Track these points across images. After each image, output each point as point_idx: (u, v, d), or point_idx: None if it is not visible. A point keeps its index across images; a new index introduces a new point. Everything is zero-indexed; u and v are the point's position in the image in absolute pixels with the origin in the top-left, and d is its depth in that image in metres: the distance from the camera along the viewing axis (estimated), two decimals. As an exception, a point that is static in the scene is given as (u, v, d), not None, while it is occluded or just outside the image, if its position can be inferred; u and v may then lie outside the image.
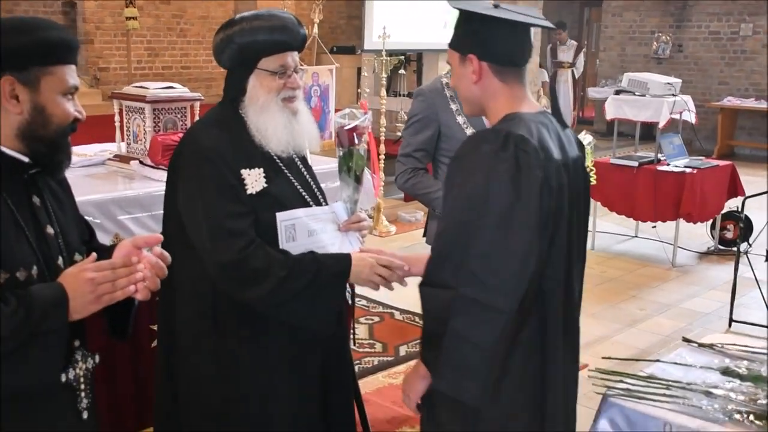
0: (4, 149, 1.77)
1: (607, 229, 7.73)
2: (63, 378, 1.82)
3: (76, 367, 1.86)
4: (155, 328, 2.77)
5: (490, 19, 2.06)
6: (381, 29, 6.38)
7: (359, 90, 9.53)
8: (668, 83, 7.85)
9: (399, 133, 3.57)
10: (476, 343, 1.98)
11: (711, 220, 7.21)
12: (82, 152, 3.79)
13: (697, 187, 6.69)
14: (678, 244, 6.98)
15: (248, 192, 2.31)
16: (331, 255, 2.39)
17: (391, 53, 7.99)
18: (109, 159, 3.80)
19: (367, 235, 3.00)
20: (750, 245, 5.99)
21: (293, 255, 2.32)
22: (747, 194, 5.86)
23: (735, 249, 5.60)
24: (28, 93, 1.76)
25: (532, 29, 2.19)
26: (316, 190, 2.54)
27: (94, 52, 12.03)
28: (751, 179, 9.07)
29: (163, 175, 2.59)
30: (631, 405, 2.38)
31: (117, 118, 3.81)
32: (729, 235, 7.28)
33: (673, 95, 7.70)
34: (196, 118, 3.59)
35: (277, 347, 2.40)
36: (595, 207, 7.28)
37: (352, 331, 4.02)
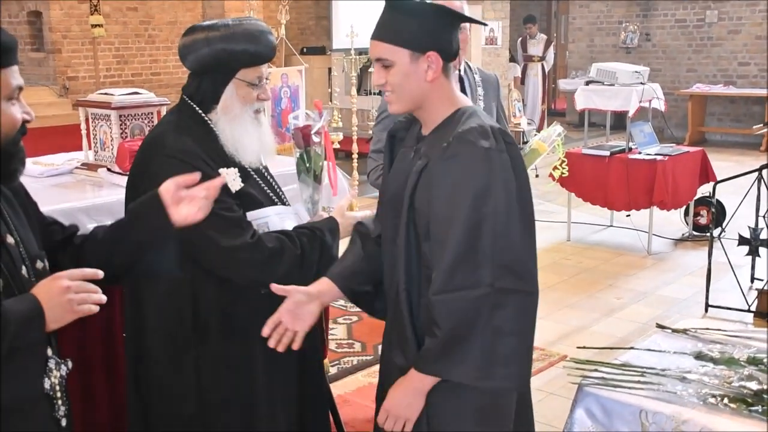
0: None
1: (582, 219, 7.77)
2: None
3: (50, 375, 1.83)
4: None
5: (446, 14, 2.07)
6: (349, 28, 6.35)
7: (330, 90, 9.51)
8: (636, 72, 7.89)
9: (371, 132, 3.56)
10: (520, 331, 2.00)
11: (684, 207, 7.26)
12: (49, 162, 3.74)
13: (669, 174, 6.73)
14: (653, 232, 7.02)
15: (231, 190, 2.31)
16: (322, 224, 2.49)
17: (360, 52, 7.96)
18: (77, 167, 3.75)
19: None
20: (723, 230, 6.03)
21: (291, 232, 2.39)
22: (718, 179, 5.90)
23: (708, 234, 5.64)
24: None
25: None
26: (279, 191, 2.54)
27: (62, 62, 11.89)
28: (722, 164, 9.14)
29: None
30: (607, 393, 2.39)
31: (83, 126, 3.77)
32: (702, 220, 7.34)
33: (642, 83, 7.75)
34: (163, 123, 3.56)
35: (258, 348, 2.38)
36: (570, 198, 7.31)
37: (327, 331, 4.00)
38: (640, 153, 6.93)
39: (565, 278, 6.34)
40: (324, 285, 2.25)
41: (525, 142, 5.34)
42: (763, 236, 5.26)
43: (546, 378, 4.43)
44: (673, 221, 7.52)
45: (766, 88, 12.20)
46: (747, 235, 5.30)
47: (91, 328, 2.85)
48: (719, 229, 6.09)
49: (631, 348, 2.74)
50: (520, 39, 13.93)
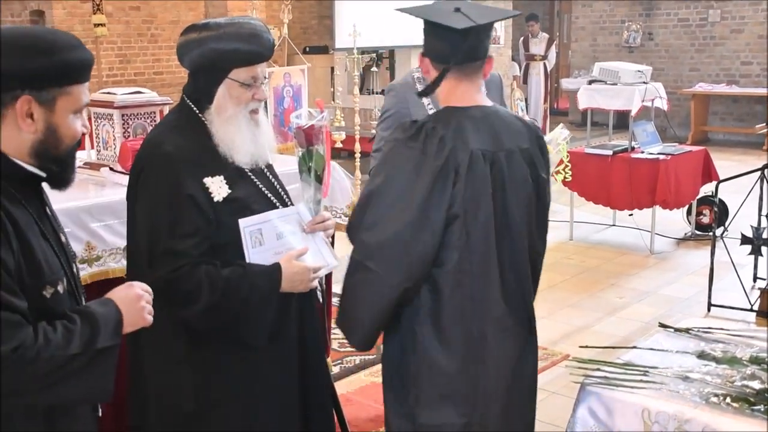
0: (23, 164, 1.76)
1: (584, 219, 7.76)
2: None
3: None
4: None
5: (428, 23, 2.27)
6: (351, 27, 6.37)
7: (332, 89, 9.51)
8: (639, 71, 7.88)
9: (374, 131, 3.56)
10: (358, 298, 2.24)
11: (687, 206, 7.26)
12: (51, 161, 3.75)
13: (672, 173, 6.73)
14: (655, 231, 7.01)
15: (215, 200, 2.29)
16: (262, 270, 2.33)
17: (363, 51, 7.97)
18: (80, 167, 3.75)
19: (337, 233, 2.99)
20: (726, 229, 6.02)
21: (228, 274, 2.27)
22: (721, 178, 5.90)
23: (711, 234, 5.64)
24: (44, 113, 1.75)
25: (496, 23, 2.39)
26: (281, 191, 2.53)
27: (64, 61, 11.91)
28: (725, 164, 9.14)
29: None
30: (609, 393, 2.39)
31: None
32: (705, 220, 7.33)
33: (644, 83, 7.73)
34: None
35: (258, 347, 2.39)
36: (572, 197, 7.31)
37: (330, 331, 4.00)
38: (642, 152, 6.93)
39: (567, 277, 6.34)
40: None
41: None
42: (765, 235, 5.25)
43: (548, 377, 4.42)
44: (676, 220, 7.51)
45: (768, 87, 12.20)
46: (749, 234, 5.29)
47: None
48: (722, 228, 6.09)
49: (634, 347, 2.73)
50: (522, 38, 13.90)
